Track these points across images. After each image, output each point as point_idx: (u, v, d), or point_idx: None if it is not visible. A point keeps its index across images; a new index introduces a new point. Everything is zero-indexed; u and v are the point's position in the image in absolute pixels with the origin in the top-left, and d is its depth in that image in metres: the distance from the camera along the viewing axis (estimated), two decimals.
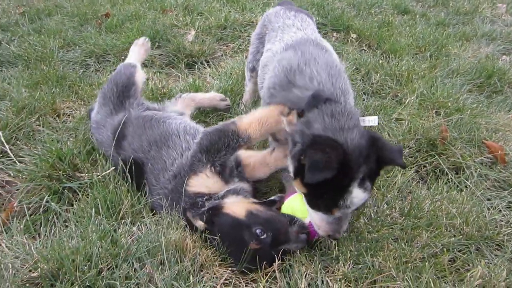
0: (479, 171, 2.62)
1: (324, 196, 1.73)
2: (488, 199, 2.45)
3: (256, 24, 3.62)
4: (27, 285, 1.69)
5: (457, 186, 2.52)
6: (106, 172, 2.27)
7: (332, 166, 1.56)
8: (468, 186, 2.50)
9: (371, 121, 2.05)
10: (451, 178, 2.57)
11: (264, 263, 1.83)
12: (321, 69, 2.01)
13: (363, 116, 2.23)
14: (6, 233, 2.05)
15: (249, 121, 2.08)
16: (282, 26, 2.70)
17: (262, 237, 1.83)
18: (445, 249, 1.98)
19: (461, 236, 2.08)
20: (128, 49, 3.90)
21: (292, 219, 1.91)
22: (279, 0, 3.52)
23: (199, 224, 1.93)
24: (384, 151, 1.72)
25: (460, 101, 3.28)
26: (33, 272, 1.73)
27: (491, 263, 1.98)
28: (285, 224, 1.89)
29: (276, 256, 1.84)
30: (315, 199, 1.80)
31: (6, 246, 1.93)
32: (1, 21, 4.69)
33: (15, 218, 2.10)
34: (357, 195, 1.69)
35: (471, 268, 1.94)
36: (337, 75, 2.02)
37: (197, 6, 5.08)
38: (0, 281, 1.70)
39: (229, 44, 4.38)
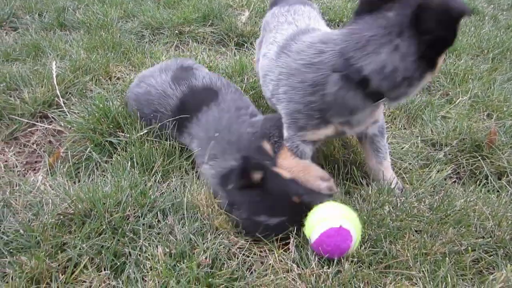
0: None
1: None
2: None
3: None
4: (62, 217, 1.86)
5: (497, 191, 2.39)
6: (142, 132, 2.39)
7: None
8: (509, 192, 2.36)
9: None
10: (491, 181, 2.44)
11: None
12: None
13: None
14: (52, 175, 2.25)
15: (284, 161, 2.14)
16: (276, 25, 2.52)
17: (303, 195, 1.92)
18: (469, 248, 1.90)
19: (490, 239, 1.97)
20: (183, 25, 4.08)
21: None
22: None
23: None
24: None
25: None
26: (69, 209, 1.90)
27: None
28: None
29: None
30: None
31: (50, 185, 2.12)
32: None
33: (59, 162, 2.29)
34: None
35: (495, 272, 1.84)
36: None
37: None
38: (41, 213, 1.88)
39: None
